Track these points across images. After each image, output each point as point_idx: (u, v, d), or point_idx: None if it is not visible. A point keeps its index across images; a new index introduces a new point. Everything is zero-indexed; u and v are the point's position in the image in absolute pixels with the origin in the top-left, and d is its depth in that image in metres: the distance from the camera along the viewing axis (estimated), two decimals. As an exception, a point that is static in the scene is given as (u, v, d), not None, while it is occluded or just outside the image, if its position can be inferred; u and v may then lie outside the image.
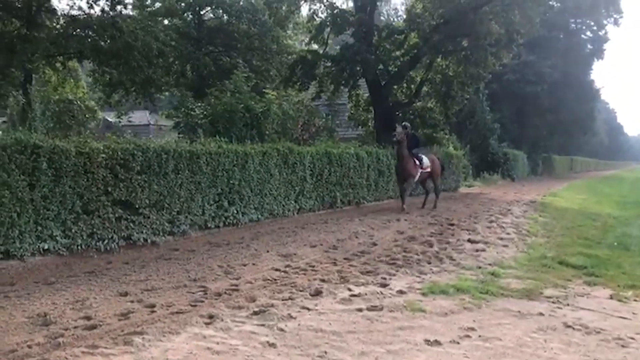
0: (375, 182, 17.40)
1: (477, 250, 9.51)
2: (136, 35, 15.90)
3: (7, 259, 7.64)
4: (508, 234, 11.61)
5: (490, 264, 8.41)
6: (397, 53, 24.04)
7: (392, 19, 42.20)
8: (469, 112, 31.77)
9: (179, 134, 14.18)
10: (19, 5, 15.40)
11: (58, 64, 19.60)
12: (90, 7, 15.42)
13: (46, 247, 8.04)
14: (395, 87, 25.08)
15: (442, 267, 8.16)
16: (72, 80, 23.94)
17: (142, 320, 5.30)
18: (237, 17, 28.85)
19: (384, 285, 6.97)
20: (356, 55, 21.53)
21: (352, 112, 27.17)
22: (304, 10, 26.85)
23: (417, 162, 15.59)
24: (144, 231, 9.51)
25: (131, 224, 9.30)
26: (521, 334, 5.32)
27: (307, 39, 27.17)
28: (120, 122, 16.77)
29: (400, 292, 6.69)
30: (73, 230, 8.40)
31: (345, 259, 8.66)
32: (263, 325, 5.26)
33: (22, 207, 7.72)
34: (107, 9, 15.34)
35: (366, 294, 6.50)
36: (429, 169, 16.16)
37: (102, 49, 16.22)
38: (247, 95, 13.84)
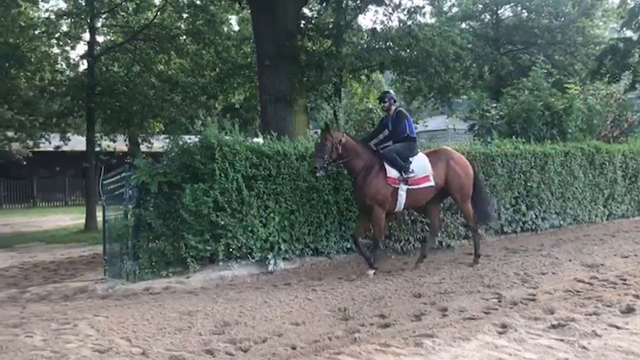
0: None
1: None
2: (433, 41, 16.16)
3: (317, 256, 8.59)
4: None
5: None
6: None
7: None
8: None
9: (474, 136, 14.00)
10: (330, 26, 17.07)
11: (363, 77, 21.16)
12: (389, 19, 16.24)
13: (348, 246, 8.75)
14: None
15: None
16: (375, 91, 25.65)
17: (433, 323, 5.31)
18: (537, 12, 27.71)
19: None
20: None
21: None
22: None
23: (395, 174, 7.91)
24: (439, 234, 9.60)
25: (426, 227, 9.49)
26: None
27: (619, 26, 24.56)
28: (417, 127, 17.30)
29: None
30: (372, 232, 8.90)
31: (666, 273, 7.44)
32: (562, 340, 4.78)
33: (327, 209, 8.52)
34: (403, 18, 15.96)
35: (695, 317, 5.45)
36: (430, 181, 8.15)
37: (401, 59, 16.87)
38: (546, 92, 12.96)
